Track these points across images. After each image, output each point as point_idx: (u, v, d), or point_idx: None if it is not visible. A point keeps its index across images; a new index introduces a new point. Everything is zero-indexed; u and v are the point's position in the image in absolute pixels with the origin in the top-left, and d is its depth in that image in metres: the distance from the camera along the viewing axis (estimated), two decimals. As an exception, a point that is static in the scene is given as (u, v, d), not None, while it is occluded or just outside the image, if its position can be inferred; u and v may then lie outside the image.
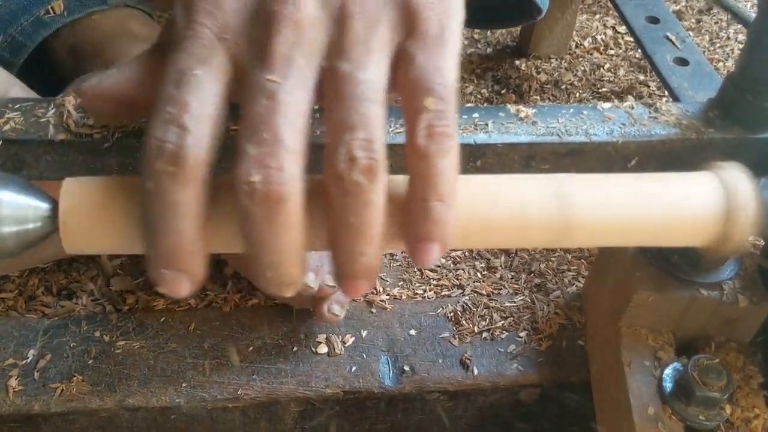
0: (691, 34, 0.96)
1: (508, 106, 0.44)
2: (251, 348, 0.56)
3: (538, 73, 0.90)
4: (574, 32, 0.94)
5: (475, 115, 0.44)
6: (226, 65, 0.31)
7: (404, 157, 0.31)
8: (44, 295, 0.60)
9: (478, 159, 0.43)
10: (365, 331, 0.58)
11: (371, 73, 0.31)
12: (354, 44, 0.31)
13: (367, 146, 0.29)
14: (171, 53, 0.31)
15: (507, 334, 0.59)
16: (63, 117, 0.41)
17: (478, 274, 0.64)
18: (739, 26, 0.99)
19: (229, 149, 0.30)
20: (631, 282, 0.48)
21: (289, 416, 0.56)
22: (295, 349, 0.57)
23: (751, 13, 0.99)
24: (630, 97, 0.86)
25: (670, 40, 0.70)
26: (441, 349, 0.57)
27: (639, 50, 0.89)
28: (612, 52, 0.94)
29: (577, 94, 0.86)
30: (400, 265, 0.65)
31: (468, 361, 0.56)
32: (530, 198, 0.35)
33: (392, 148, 0.31)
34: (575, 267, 0.65)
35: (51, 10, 0.65)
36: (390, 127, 0.42)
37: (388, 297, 0.61)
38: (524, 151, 0.43)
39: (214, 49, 0.31)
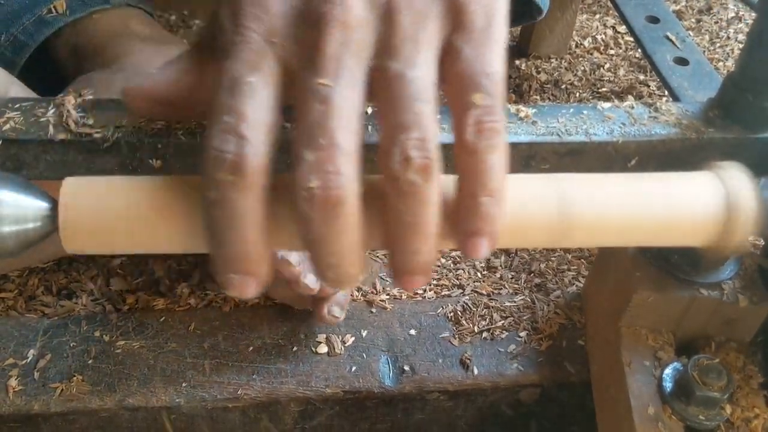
0: (691, 33, 0.96)
1: (508, 105, 0.44)
2: (251, 348, 0.56)
3: (538, 72, 0.90)
4: (574, 32, 0.94)
5: (476, 114, 0.44)
6: (276, 69, 0.31)
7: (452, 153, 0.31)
8: (44, 294, 0.60)
9: (478, 159, 0.43)
10: (365, 331, 0.58)
11: (421, 71, 0.31)
12: (402, 42, 0.31)
13: (421, 146, 0.29)
14: (221, 60, 0.31)
15: (507, 334, 0.59)
16: (63, 117, 0.41)
17: (478, 274, 0.64)
18: (740, 26, 0.99)
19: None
20: (631, 282, 0.48)
21: (289, 416, 0.56)
22: (295, 348, 0.57)
23: None
24: (630, 96, 0.86)
25: (670, 40, 0.70)
26: (441, 348, 0.57)
27: (639, 50, 0.89)
28: (612, 51, 0.94)
29: (577, 94, 0.86)
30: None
31: (468, 361, 0.56)
32: (530, 198, 0.35)
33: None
34: (575, 267, 0.65)
35: (53, 10, 0.65)
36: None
37: (388, 297, 0.61)
38: (524, 151, 0.43)
39: (264, 53, 0.31)
